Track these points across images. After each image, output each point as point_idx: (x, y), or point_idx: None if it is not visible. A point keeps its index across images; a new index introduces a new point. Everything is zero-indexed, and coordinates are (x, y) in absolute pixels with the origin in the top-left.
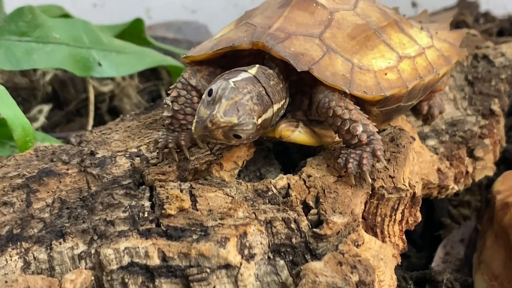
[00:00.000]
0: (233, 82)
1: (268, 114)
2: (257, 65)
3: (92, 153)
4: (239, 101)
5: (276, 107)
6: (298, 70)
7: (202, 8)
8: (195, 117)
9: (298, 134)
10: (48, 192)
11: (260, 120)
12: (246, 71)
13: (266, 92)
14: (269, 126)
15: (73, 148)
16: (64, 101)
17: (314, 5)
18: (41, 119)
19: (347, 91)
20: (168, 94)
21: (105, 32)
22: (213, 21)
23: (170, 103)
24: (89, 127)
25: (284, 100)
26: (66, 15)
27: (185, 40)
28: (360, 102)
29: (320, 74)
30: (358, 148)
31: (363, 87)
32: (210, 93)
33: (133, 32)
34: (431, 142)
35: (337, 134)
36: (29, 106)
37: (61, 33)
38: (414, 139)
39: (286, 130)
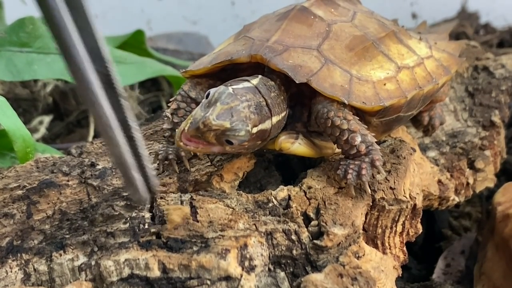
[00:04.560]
0: (232, 88)
1: (266, 125)
2: (260, 76)
3: (93, 165)
4: (235, 107)
5: (275, 119)
6: (297, 82)
7: (202, 19)
8: (190, 117)
9: (298, 146)
10: (49, 203)
11: (255, 129)
12: (248, 81)
13: (266, 103)
14: (269, 138)
15: (73, 159)
16: (65, 112)
17: (312, 17)
18: (42, 130)
19: (346, 102)
20: (168, 106)
21: (106, 43)
22: (213, 32)
23: (170, 116)
24: (90, 138)
25: (284, 112)
26: None
27: (186, 51)
28: (359, 113)
29: (318, 85)
30: (357, 158)
31: (362, 98)
32: (207, 96)
33: (134, 43)
34: (432, 153)
35: (336, 145)
36: (30, 117)
37: None
38: (414, 150)
39: (286, 142)
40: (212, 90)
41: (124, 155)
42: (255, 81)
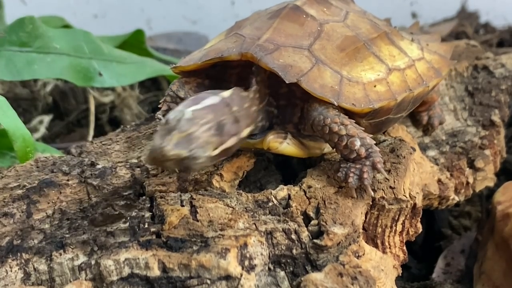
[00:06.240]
0: (191, 111)
1: (230, 143)
2: (234, 88)
3: (93, 164)
4: (193, 134)
5: (246, 131)
6: (287, 82)
7: (202, 19)
8: (151, 143)
9: (286, 146)
10: (49, 203)
11: (216, 151)
12: (216, 95)
13: (234, 118)
14: (235, 149)
15: (73, 159)
16: (65, 112)
17: (304, 16)
18: (42, 130)
19: (335, 103)
20: (159, 108)
21: (106, 43)
22: (213, 32)
23: (161, 117)
24: (90, 138)
25: (255, 122)
26: (67, 26)
27: (186, 51)
28: (349, 114)
29: (308, 86)
30: (358, 162)
31: (351, 99)
32: (167, 121)
33: (134, 43)
34: (432, 152)
35: (334, 149)
36: (30, 116)
37: (62, 43)
38: (414, 150)
39: (274, 141)
40: (170, 115)
41: None
42: (226, 93)
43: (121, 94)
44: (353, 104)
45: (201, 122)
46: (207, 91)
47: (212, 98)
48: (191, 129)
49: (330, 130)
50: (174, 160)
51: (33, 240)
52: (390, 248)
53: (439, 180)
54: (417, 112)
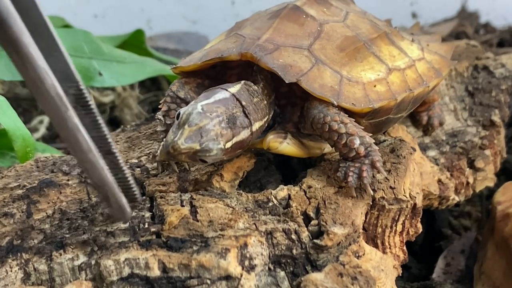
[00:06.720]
0: (201, 106)
1: (242, 136)
2: (242, 82)
3: None
4: (204, 127)
5: (257, 125)
6: (286, 82)
7: (202, 19)
8: (164, 140)
9: (286, 146)
10: (49, 203)
11: (229, 144)
12: (226, 89)
13: (244, 112)
14: (249, 144)
15: (73, 159)
16: None
17: (304, 16)
18: (42, 130)
19: (334, 103)
20: (159, 109)
21: (106, 43)
22: (213, 32)
23: (162, 118)
24: None
25: (267, 117)
26: (67, 26)
27: (186, 50)
28: (349, 114)
29: (308, 85)
30: (357, 160)
31: (351, 99)
32: (178, 117)
33: (134, 42)
34: (432, 153)
35: (334, 148)
36: (30, 116)
37: (62, 43)
38: (414, 150)
39: (274, 141)
40: (182, 111)
41: (106, 177)
42: (234, 88)
43: (121, 94)
44: (353, 103)
45: (212, 116)
46: (214, 87)
47: (222, 93)
48: (203, 122)
49: (329, 128)
50: (187, 154)
51: (33, 240)
52: (390, 248)
53: (439, 180)
54: (417, 112)
